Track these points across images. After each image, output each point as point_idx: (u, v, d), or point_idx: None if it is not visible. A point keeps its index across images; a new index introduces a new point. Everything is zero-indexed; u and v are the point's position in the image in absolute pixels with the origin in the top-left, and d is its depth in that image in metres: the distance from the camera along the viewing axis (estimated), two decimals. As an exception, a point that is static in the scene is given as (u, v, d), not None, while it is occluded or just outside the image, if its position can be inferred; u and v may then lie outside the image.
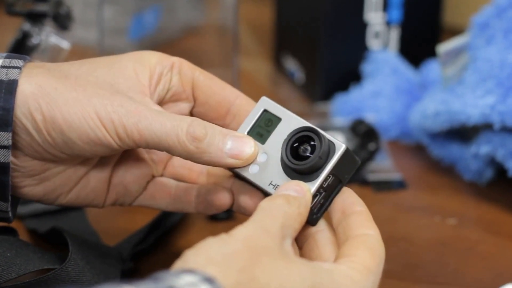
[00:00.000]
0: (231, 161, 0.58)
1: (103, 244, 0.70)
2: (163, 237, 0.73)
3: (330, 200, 0.58)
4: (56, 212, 0.75)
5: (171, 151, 0.58)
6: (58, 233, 0.68)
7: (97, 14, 0.97)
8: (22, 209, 0.75)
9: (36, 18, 0.80)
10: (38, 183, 0.60)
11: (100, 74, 0.60)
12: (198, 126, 0.57)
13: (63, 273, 0.61)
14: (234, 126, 0.63)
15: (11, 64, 0.58)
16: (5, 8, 0.80)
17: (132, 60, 0.61)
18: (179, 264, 0.49)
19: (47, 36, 0.80)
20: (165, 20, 1.06)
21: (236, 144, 0.58)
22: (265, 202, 0.54)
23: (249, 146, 0.58)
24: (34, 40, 0.79)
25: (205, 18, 1.09)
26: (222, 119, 0.63)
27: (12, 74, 0.57)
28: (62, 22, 0.81)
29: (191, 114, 0.64)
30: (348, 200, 0.57)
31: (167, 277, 0.47)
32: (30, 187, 0.60)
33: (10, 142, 0.56)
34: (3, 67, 0.57)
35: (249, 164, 0.59)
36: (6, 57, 0.58)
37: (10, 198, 0.59)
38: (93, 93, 0.57)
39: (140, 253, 0.70)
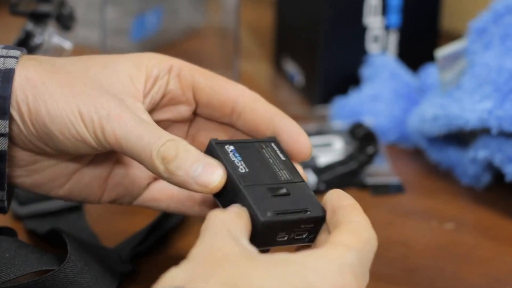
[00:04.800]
0: (198, 188, 0.56)
1: (102, 245, 0.69)
2: (162, 239, 0.72)
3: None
4: (55, 213, 0.74)
5: (144, 165, 0.56)
6: (57, 234, 0.67)
7: (100, 15, 0.97)
8: (21, 210, 0.74)
9: (39, 18, 0.79)
10: (28, 175, 0.60)
11: (93, 74, 0.59)
12: (170, 147, 0.55)
13: (62, 275, 0.61)
14: (241, 124, 0.62)
15: (8, 54, 0.57)
16: (8, 8, 0.79)
17: (129, 63, 0.60)
18: None
19: (50, 36, 0.79)
20: (166, 22, 1.06)
21: (205, 172, 0.56)
22: (204, 224, 0.52)
23: (216, 176, 0.56)
24: (37, 40, 0.79)
25: (206, 20, 1.09)
26: (228, 118, 0.62)
27: (9, 63, 0.57)
28: (65, 22, 0.81)
29: (195, 115, 0.63)
30: (335, 198, 0.56)
31: None
32: (21, 178, 0.60)
33: (7, 130, 0.56)
34: (0, 56, 0.57)
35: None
36: (4, 48, 0.58)
37: (6, 186, 0.58)
38: (79, 91, 0.57)
39: (139, 255, 0.69)
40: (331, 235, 0.53)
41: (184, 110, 0.63)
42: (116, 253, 0.67)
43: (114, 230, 0.74)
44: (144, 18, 1.03)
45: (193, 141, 0.64)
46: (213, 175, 0.56)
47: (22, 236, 0.69)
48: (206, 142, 0.63)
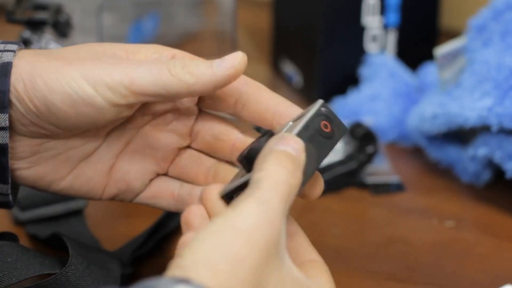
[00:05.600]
0: (225, 73, 0.56)
1: (103, 249, 0.70)
2: (163, 242, 0.73)
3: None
4: (56, 218, 0.75)
5: (168, 90, 0.56)
6: (58, 238, 0.68)
7: (97, 21, 0.97)
8: (22, 215, 0.75)
9: (35, 25, 0.80)
10: (29, 167, 0.60)
11: (87, 50, 0.59)
12: (184, 56, 0.58)
13: (63, 278, 0.61)
14: (245, 114, 0.61)
15: (5, 48, 0.58)
16: (5, 16, 0.80)
17: (127, 49, 0.60)
18: (175, 267, 0.47)
19: (47, 43, 0.80)
20: (163, 27, 1.06)
21: (225, 58, 0.57)
22: (273, 167, 0.51)
23: (237, 54, 0.57)
24: (34, 48, 0.79)
25: (203, 24, 1.09)
26: (232, 109, 0.61)
27: (7, 57, 0.57)
28: (62, 29, 0.82)
29: (199, 107, 0.63)
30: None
31: (158, 286, 0.44)
32: (21, 171, 0.60)
33: (7, 123, 0.56)
34: None
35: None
36: (1, 43, 0.58)
37: (10, 179, 0.58)
38: (75, 60, 0.57)
39: (140, 258, 0.70)
40: (312, 270, 0.55)
41: (186, 101, 0.62)
42: (117, 256, 0.67)
43: (115, 234, 0.75)
44: (140, 24, 1.03)
45: (197, 137, 0.63)
46: (234, 55, 0.57)
47: (23, 241, 0.69)
48: (209, 138, 0.62)
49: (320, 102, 0.58)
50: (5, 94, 0.56)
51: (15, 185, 0.61)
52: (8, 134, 0.57)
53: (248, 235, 0.48)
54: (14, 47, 0.58)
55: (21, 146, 0.59)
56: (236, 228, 0.48)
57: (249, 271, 0.47)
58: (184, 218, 0.56)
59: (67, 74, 0.56)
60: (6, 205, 0.60)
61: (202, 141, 0.63)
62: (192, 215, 0.56)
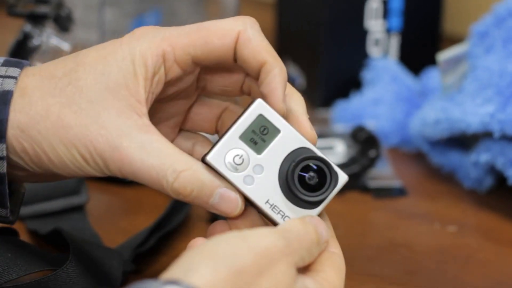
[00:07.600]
0: (219, 213, 0.57)
1: (104, 245, 0.71)
2: (164, 239, 0.74)
3: None
4: (57, 214, 0.76)
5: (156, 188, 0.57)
6: (59, 234, 0.68)
7: (98, 16, 0.98)
8: (23, 210, 0.74)
9: (37, 19, 0.81)
10: (38, 181, 0.61)
11: (89, 95, 0.57)
12: (184, 183, 0.56)
13: (64, 274, 0.62)
14: (245, 55, 0.59)
15: (6, 74, 0.57)
16: (6, 9, 0.81)
17: (123, 69, 0.57)
18: (177, 261, 0.49)
19: (48, 37, 0.81)
20: (165, 23, 1.06)
21: (223, 201, 0.57)
22: (298, 225, 0.55)
23: (235, 207, 0.57)
24: (35, 42, 0.80)
25: (205, 21, 1.09)
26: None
27: (7, 84, 0.56)
28: (63, 23, 0.82)
29: (199, 76, 0.61)
30: None
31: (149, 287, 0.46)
32: (30, 181, 0.61)
33: (4, 153, 0.56)
34: None
35: (243, 174, 0.57)
36: (3, 65, 0.58)
37: (8, 205, 0.58)
38: (76, 133, 0.56)
39: (141, 255, 0.71)
40: (318, 262, 0.57)
41: (189, 79, 0.61)
42: (118, 253, 0.68)
43: (116, 230, 0.76)
44: (142, 19, 1.03)
45: (205, 89, 0.63)
46: (232, 205, 0.57)
47: (23, 236, 0.70)
48: (217, 90, 0.62)
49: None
50: (3, 124, 0.56)
51: (18, 199, 0.61)
52: (5, 164, 0.57)
53: (255, 252, 0.50)
54: (16, 71, 0.57)
55: (24, 178, 0.60)
56: (247, 242, 0.51)
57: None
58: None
59: (68, 153, 0.56)
60: (7, 223, 0.61)
61: (211, 92, 0.63)
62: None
